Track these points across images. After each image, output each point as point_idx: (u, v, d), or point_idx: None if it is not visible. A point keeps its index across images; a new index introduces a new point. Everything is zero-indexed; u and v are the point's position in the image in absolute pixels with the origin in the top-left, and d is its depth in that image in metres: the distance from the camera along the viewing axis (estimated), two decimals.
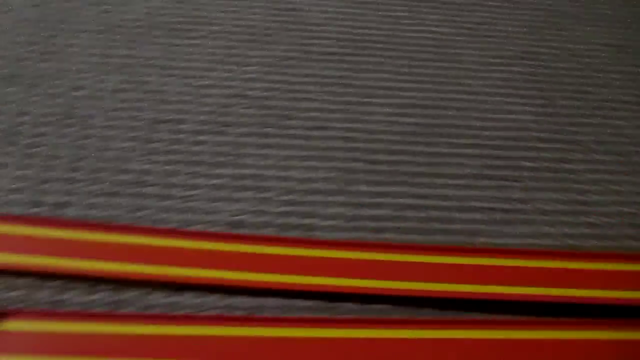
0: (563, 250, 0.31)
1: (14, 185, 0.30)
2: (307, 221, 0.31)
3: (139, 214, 0.30)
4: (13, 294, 0.27)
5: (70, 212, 0.30)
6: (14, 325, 0.25)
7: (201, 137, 0.34)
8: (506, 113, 0.37)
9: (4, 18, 0.38)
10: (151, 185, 0.31)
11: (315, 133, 0.35)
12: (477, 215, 0.32)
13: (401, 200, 0.32)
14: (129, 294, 0.27)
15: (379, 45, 0.40)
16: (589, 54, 0.43)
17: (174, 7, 0.41)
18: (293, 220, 0.31)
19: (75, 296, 0.27)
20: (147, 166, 0.32)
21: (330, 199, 0.32)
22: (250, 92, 0.36)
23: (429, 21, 0.43)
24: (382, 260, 0.29)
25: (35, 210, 0.29)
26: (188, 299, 0.27)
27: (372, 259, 0.29)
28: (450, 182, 0.33)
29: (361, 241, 0.30)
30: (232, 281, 0.28)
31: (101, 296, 0.27)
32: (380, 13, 0.43)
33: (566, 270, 0.30)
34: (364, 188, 0.32)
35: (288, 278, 0.28)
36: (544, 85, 0.40)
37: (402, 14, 0.43)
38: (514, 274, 0.29)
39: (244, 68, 0.38)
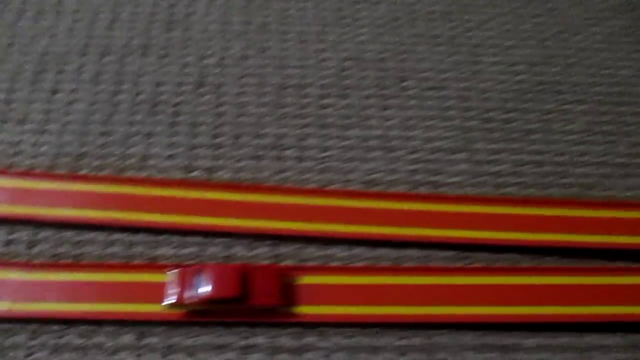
0: None
1: (168, 152, 0.34)
2: (434, 178, 0.33)
3: (282, 175, 0.33)
4: (186, 250, 0.30)
5: (224, 176, 0.33)
6: None
7: (326, 101, 0.36)
8: (611, 68, 0.39)
9: None
10: (289, 148, 0.34)
11: (431, 93, 0.37)
12: (590, 170, 0.34)
13: (519, 157, 0.34)
14: (286, 249, 0.31)
15: (482, 2, 0.42)
16: None
17: None
18: (421, 177, 0.33)
19: (240, 252, 0.30)
20: (282, 130, 0.35)
21: (453, 157, 0.34)
22: (365, 55, 0.38)
23: None
24: (504, 214, 0.32)
25: (193, 174, 0.33)
26: (338, 252, 0.31)
27: (495, 213, 0.32)
28: (563, 138, 0.35)
29: (485, 196, 0.33)
30: (376, 235, 0.31)
31: (263, 251, 0.31)
32: None
33: None
34: (482, 146, 0.35)
35: (425, 231, 0.32)
36: None
37: None
38: (633, 225, 0.32)
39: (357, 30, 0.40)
